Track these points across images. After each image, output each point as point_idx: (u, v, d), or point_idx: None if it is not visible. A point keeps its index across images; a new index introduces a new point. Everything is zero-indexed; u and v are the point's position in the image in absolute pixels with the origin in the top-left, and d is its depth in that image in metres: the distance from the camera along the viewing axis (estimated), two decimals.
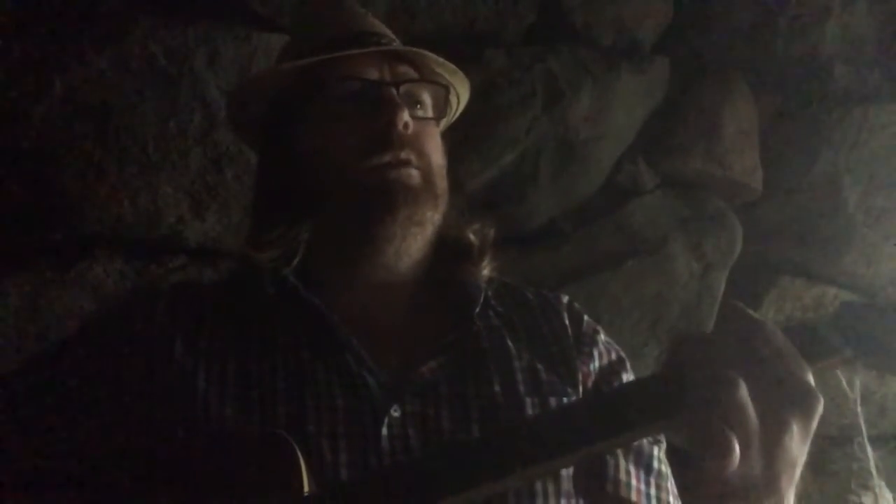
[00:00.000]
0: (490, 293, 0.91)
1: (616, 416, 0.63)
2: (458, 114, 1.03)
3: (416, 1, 1.69)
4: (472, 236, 0.92)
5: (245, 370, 0.79)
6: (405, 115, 0.84)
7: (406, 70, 0.90)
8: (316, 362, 0.80)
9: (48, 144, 1.41)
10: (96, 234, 1.48)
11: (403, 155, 0.85)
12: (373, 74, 0.88)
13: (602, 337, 0.91)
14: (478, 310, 0.87)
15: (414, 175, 0.85)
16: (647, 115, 2.06)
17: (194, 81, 1.48)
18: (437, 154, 0.90)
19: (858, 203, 2.18)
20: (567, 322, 0.90)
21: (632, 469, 0.83)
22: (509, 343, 0.86)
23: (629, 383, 0.85)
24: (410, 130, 0.85)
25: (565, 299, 0.94)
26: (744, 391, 0.58)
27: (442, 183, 0.89)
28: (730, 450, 0.57)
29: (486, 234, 0.93)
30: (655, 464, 0.84)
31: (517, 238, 1.89)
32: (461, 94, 0.99)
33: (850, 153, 2.18)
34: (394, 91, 0.86)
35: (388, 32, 0.95)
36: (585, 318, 0.92)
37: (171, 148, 1.48)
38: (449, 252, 0.91)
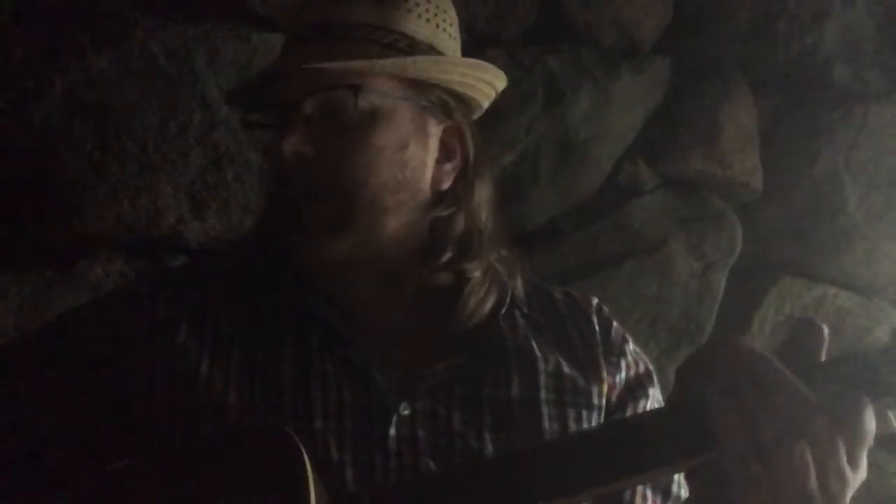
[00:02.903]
0: (516, 293, 0.86)
1: (641, 452, 0.60)
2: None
3: None
4: (443, 277, 0.83)
5: (250, 358, 0.77)
6: (289, 146, 0.76)
7: (328, 78, 0.77)
8: (324, 355, 0.78)
9: (48, 144, 1.41)
10: (96, 234, 1.47)
11: (295, 191, 0.78)
12: (283, 95, 0.79)
13: (631, 346, 0.88)
14: (504, 310, 0.83)
15: (314, 212, 0.77)
16: (647, 115, 2.06)
17: (194, 81, 1.48)
18: (362, 164, 0.78)
19: (858, 203, 2.18)
20: (597, 327, 0.87)
21: (649, 494, 0.80)
22: (534, 346, 0.82)
23: (651, 413, 0.81)
24: (310, 155, 0.77)
25: (594, 302, 0.90)
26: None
27: (372, 194, 0.78)
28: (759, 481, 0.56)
29: (461, 271, 0.83)
30: (675, 488, 0.82)
31: (517, 238, 1.89)
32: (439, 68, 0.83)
33: (850, 153, 2.17)
34: (294, 113, 0.77)
35: (352, 9, 0.80)
36: (615, 324, 0.89)
37: (171, 148, 1.48)
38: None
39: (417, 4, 0.82)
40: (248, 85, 0.85)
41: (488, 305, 0.82)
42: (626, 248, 1.96)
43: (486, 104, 0.90)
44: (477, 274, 0.82)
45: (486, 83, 0.87)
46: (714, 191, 2.11)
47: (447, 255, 0.82)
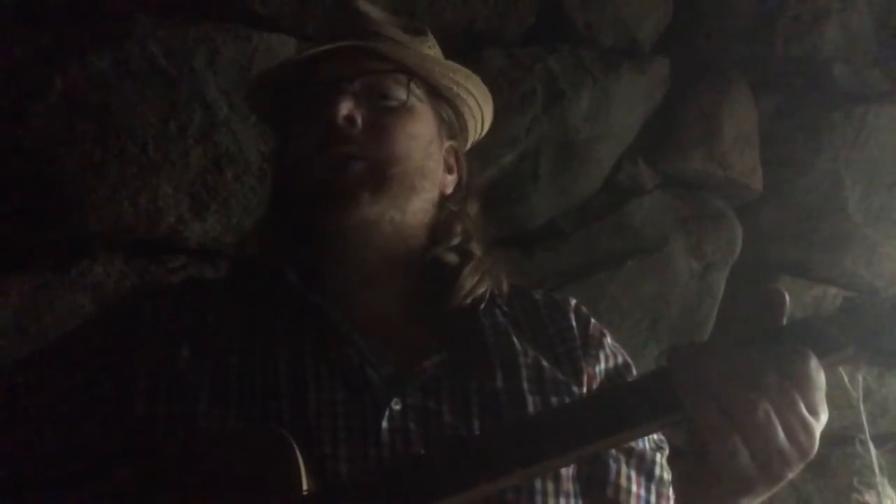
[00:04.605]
0: (497, 292, 0.91)
1: (613, 415, 0.65)
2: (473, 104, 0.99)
3: (417, 0, 1.69)
4: (450, 255, 0.90)
5: (248, 366, 0.80)
6: (344, 108, 0.84)
7: (379, 65, 0.88)
8: (318, 357, 0.80)
9: (48, 144, 1.41)
10: (96, 234, 1.47)
11: (343, 149, 0.84)
12: (333, 73, 0.87)
13: (609, 340, 0.91)
14: (483, 306, 0.87)
15: (357, 171, 0.84)
16: (647, 115, 2.06)
17: (194, 81, 1.48)
18: (401, 143, 0.87)
19: (858, 203, 2.18)
20: (574, 324, 0.90)
21: (633, 474, 0.83)
22: (515, 340, 0.86)
23: (625, 383, 0.87)
24: (359, 123, 0.85)
25: (573, 302, 0.94)
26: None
27: (405, 171, 0.86)
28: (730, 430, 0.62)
29: (467, 251, 0.91)
30: (657, 470, 0.85)
31: (517, 238, 1.89)
32: (463, 83, 0.95)
33: (850, 153, 2.17)
34: (346, 86, 0.85)
35: (385, 27, 0.93)
36: (592, 320, 0.92)
37: (171, 148, 1.48)
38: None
39: (434, 46, 0.97)
40: (291, 65, 0.91)
41: (482, 289, 0.88)
42: (626, 248, 1.96)
43: (469, 142, 1.03)
44: (479, 253, 0.91)
45: (482, 117, 1.00)
46: (714, 191, 2.11)
47: (457, 238, 0.91)
